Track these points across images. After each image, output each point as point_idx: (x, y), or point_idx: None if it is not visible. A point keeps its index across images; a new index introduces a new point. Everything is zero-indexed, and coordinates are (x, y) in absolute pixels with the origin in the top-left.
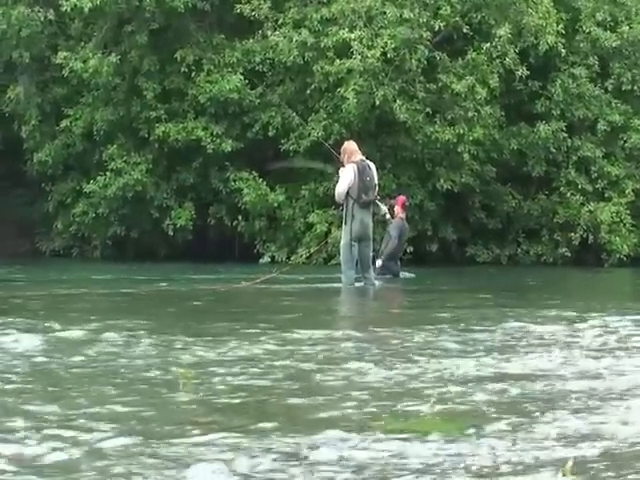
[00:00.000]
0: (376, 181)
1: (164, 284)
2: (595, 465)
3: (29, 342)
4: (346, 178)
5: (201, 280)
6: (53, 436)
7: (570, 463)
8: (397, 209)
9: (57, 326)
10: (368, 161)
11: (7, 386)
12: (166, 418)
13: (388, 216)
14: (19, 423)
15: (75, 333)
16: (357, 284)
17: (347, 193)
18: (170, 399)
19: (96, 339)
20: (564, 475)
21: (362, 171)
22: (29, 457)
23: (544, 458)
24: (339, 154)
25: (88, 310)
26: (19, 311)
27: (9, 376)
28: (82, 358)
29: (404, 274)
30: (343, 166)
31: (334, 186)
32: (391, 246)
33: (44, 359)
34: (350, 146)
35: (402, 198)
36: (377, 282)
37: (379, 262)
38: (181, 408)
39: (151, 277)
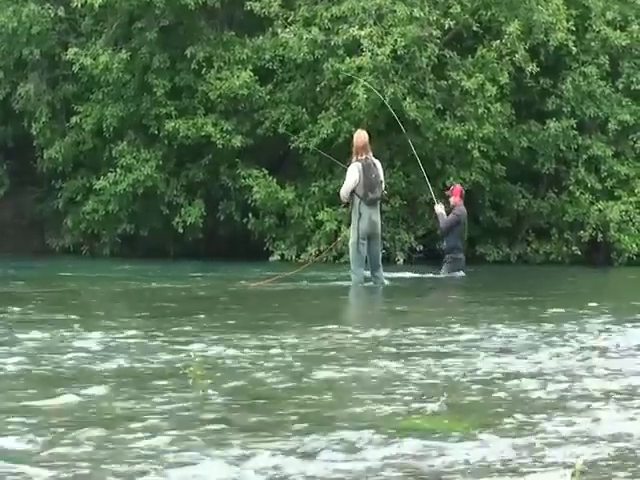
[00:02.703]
0: (382, 178)
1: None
2: (605, 465)
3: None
4: (351, 178)
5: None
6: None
7: (580, 462)
8: (455, 200)
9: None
10: (373, 158)
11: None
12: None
13: (440, 210)
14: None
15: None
16: (367, 283)
17: (354, 192)
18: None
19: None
20: (573, 475)
21: (367, 169)
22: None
23: (553, 458)
24: (343, 161)
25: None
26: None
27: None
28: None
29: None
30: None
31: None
32: (448, 242)
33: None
34: (359, 140)
35: (459, 188)
36: (386, 281)
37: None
38: (190, 405)
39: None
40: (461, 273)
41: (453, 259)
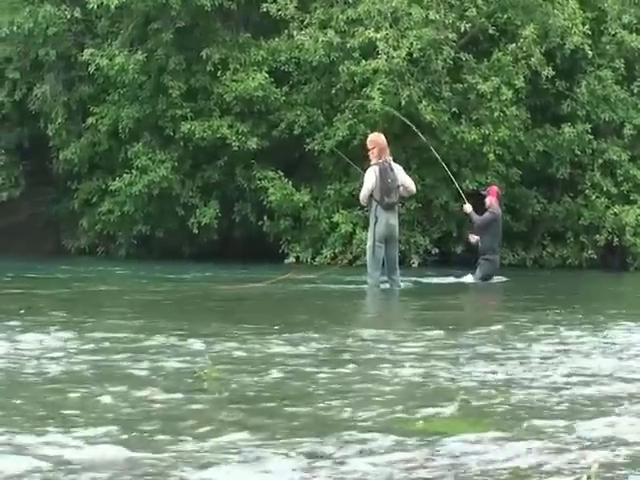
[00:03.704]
0: (399, 182)
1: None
2: (619, 470)
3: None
4: (368, 181)
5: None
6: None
7: (595, 467)
8: (491, 200)
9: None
10: (392, 162)
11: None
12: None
13: (470, 209)
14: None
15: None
16: (383, 286)
17: (371, 195)
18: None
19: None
20: (589, 479)
21: (384, 173)
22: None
23: (568, 461)
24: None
25: None
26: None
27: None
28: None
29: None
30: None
31: (360, 186)
32: (483, 242)
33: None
34: (381, 141)
35: (495, 188)
36: (402, 284)
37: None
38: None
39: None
40: (498, 279)
41: (487, 260)
